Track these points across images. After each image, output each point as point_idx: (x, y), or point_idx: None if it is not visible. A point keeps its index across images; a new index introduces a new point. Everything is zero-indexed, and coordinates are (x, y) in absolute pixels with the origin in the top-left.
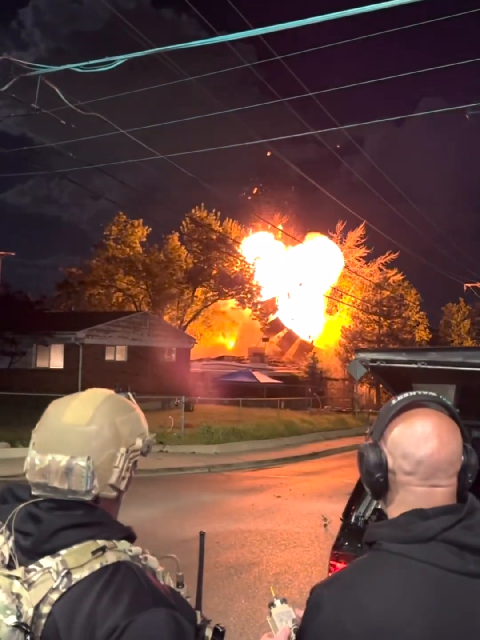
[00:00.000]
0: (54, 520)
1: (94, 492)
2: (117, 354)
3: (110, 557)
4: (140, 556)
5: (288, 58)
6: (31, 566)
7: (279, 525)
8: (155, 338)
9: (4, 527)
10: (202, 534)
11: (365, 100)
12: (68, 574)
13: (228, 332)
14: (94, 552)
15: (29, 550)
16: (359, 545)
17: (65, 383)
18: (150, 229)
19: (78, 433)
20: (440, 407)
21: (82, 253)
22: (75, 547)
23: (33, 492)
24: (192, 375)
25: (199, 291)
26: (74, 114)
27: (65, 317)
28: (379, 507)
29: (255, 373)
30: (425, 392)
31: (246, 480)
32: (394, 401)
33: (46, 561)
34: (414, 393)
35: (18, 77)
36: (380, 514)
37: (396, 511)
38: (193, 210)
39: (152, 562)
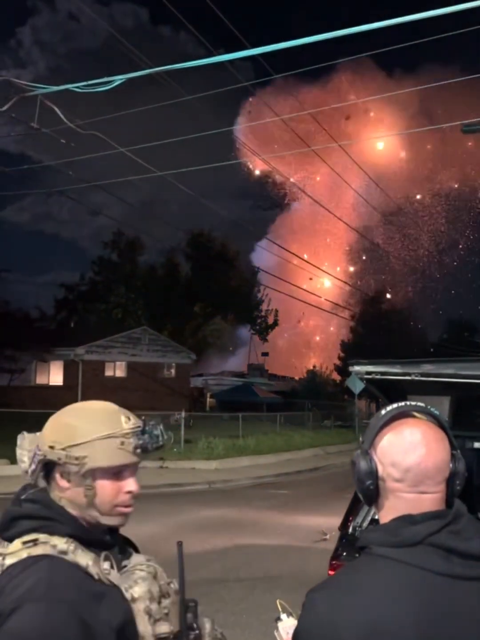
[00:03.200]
0: (12, 510)
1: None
2: (117, 370)
3: (38, 550)
4: (70, 553)
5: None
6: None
7: (280, 540)
8: (154, 353)
9: None
10: (179, 544)
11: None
12: (4, 559)
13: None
14: (24, 543)
15: (2, 538)
16: (357, 554)
17: (64, 399)
18: (149, 245)
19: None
20: (429, 417)
21: (81, 269)
22: (25, 537)
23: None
24: (192, 391)
25: (197, 306)
26: (73, 133)
27: (64, 333)
28: (376, 517)
29: (254, 388)
30: (414, 403)
31: (247, 495)
32: (383, 411)
33: (4, 547)
34: (402, 403)
35: (18, 97)
36: (376, 524)
37: (387, 517)
38: (193, 229)
39: (83, 559)
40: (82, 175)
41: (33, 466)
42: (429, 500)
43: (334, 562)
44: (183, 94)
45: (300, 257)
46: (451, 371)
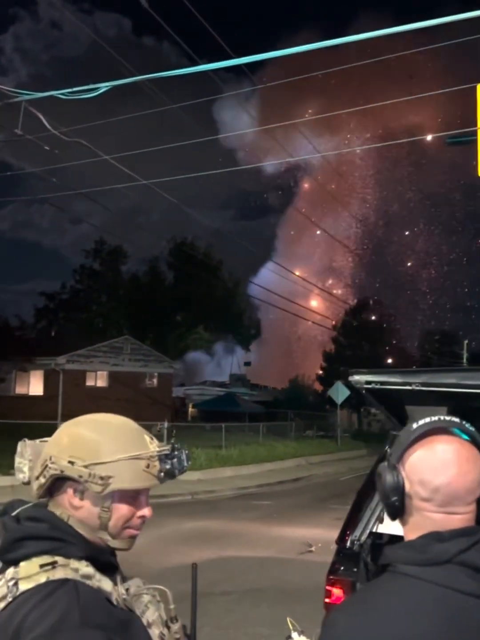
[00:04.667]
0: (16, 530)
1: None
2: (98, 380)
3: (58, 573)
4: (94, 578)
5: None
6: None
7: (265, 552)
8: (136, 363)
9: None
10: (194, 566)
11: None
12: (16, 583)
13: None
14: (42, 566)
15: (2, 560)
16: (355, 569)
17: (45, 410)
18: (132, 253)
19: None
20: (463, 434)
21: (62, 278)
22: (34, 560)
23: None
24: (174, 401)
25: (180, 316)
26: (56, 140)
27: (45, 342)
28: (375, 530)
29: (237, 398)
30: (448, 417)
31: (231, 506)
32: (415, 425)
33: (10, 571)
34: (436, 417)
35: (2, 103)
36: (375, 538)
37: (412, 534)
38: (176, 238)
39: (105, 584)
40: (65, 183)
41: (42, 480)
42: (458, 520)
43: (331, 577)
44: (168, 102)
45: (298, 275)
46: (452, 381)
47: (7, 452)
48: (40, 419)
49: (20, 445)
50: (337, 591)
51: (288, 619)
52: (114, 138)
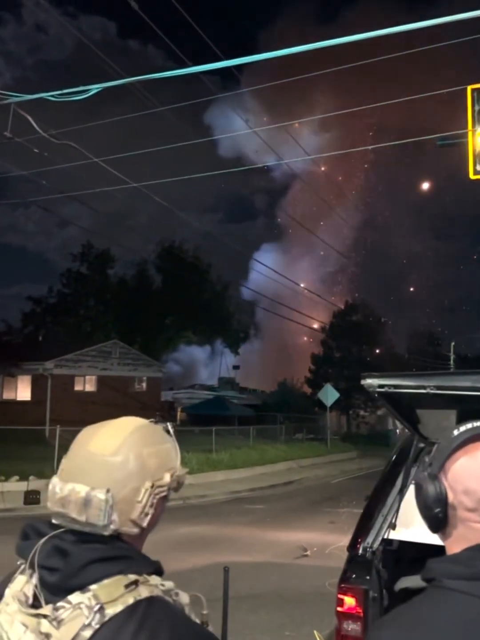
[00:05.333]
0: (83, 553)
1: (112, 526)
2: (87, 384)
3: (143, 592)
4: (173, 591)
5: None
6: (60, 603)
7: (261, 557)
8: (125, 367)
9: (25, 566)
10: (226, 570)
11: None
12: (101, 609)
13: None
14: (126, 586)
15: (56, 587)
16: (368, 577)
17: (33, 415)
18: (120, 257)
19: (101, 463)
20: None
21: (48, 282)
22: (105, 581)
23: (53, 521)
24: (163, 405)
25: (169, 319)
26: (45, 142)
27: (32, 347)
28: (387, 537)
29: (226, 401)
30: None
31: (223, 511)
32: (456, 432)
33: (76, 597)
34: (478, 423)
35: None
36: (386, 545)
37: (456, 547)
38: (163, 242)
39: (184, 597)
40: (54, 186)
41: (150, 510)
42: None
43: (343, 585)
44: (157, 105)
45: (295, 283)
46: (467, 384)
47: None
48: (29, 425)
49: (99, 497)
50: (349, 600)
51: (315, 632)
52: (101, 141)
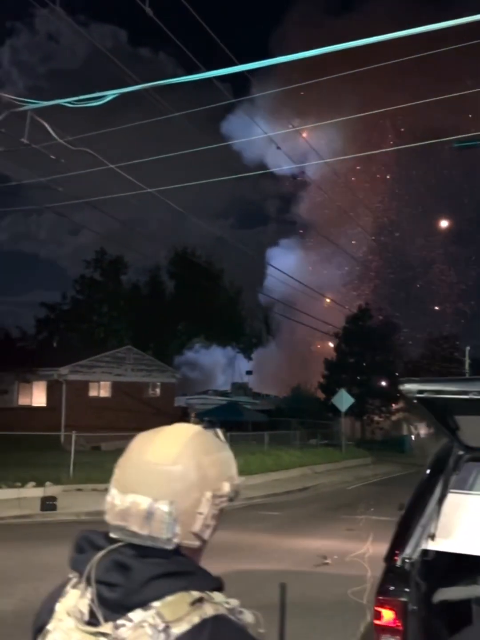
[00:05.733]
0: (145, 568)
1: (175, 540)
2: (101, 390)
3: (209, 610)
4: (237, 610)
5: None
6: (120, 621)
7: (280, 565)
8: (139, 373)
9: (78, 580)
10: (282, 586)
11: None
12: (166, 628)
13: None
14: (191, 604)
15: (117, 603)
16: (406, 588)
17: (48, 421)
18: (132, 263)
19: (161, 473)
20: None
21: (60, 289)
22: (169, 598)
23: (111, 535)
24: (177, 410)
25: (182, 325)
26: (60, 149)
27: (47, 353)
28: (427, 547)
29: (239, 406)
30: None
31: (240, 517)
32: None
33: (137, 615)
34: None
35: (8, 113)
36: (425, 555)
37: None
38: (176, 248)
39: (248, 617)
40: (69, 193)
41: (212, 522)
42: None
43: (381, 597)
44: (170, 110)
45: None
46: None
47: (12, 464)
48: (43, 430)
49: (163, 509)
50: (387, 613)
51: None
52: (114, 149)
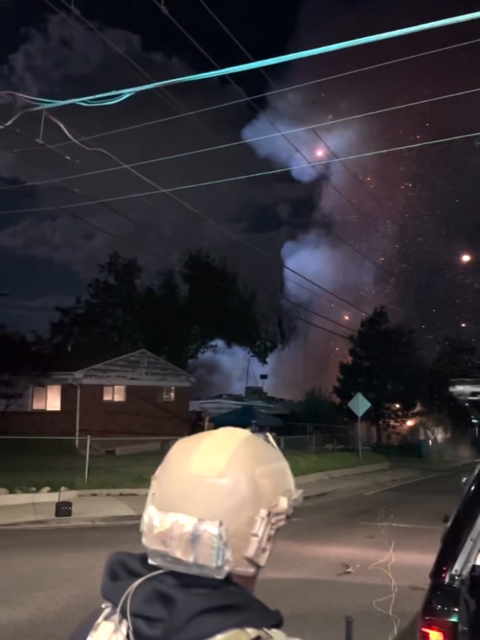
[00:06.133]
0: (191, 601)
1: (226, 568)
2: (116, 394)
3: None
4: None
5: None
6: None
7: (302, 573)
8: (153, 377)
9: (111, 611)
10: (348, 622)
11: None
12: None
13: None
14: None
15: None
16: (456, 608)
17: (62, 425)
18: (146, 267)
19: (207, 487)
20: None
21: (72, 294)
22: (220, 637)
23: (150, 561)
24: (191, 415)
25: (196, 328)
26: (75, 151)
27: (61, 357)
28: (478, 562)
29: (254, 411)
30: None
31: None
32: None
33: None
34: None
35: (22, 112)
36: (475, 571)
37: None
38: (191, 251)
39: None
40: (83, 194)
41: (267, 545)
42: None
43: (428, 617)
44: (185, 110)
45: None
46: None
47: (27, 468)
48: (58, 435)
49: (211, 531)
50: (435, 634)
51: None
52: (128, 151)
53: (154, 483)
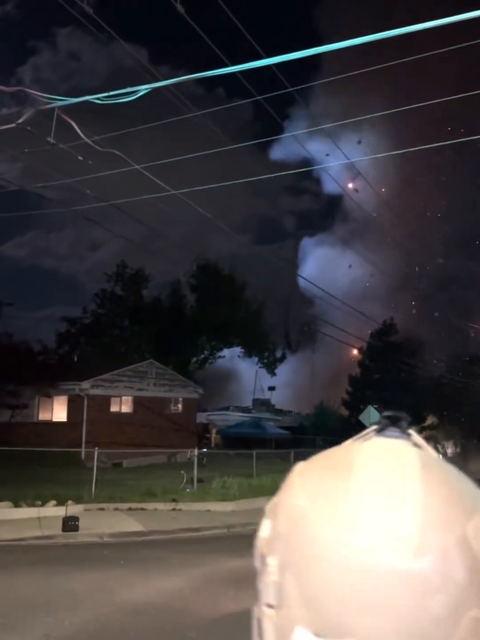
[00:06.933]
0: None
1: None
2: (123, 405)
3: None
4: None
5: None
6: None
7: None
8: (161, 388)
9: None
10: None
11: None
12: None
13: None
14: None
15: None
16: None
17: (68, 436)
18: (153, 277)
19: (396, 583)
20: None
21: (78, 305)
22: None
23: None
24: (198, 427)
25: (203, 339)
26: (86, 152)
27: (68, 367)
28: None
29: (262, 423)
30: None
31: None
32: None
33: None
34: None
35: (34, 110)
36: None
37: None
38: (198, 261)
39: None
40: (94, 196)
41: None
42: None
43: None
44: (194, 110)
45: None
46: None
47: (32, 481)
48: (64, 446)
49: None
50: None
51: None
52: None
53: (274, 562)
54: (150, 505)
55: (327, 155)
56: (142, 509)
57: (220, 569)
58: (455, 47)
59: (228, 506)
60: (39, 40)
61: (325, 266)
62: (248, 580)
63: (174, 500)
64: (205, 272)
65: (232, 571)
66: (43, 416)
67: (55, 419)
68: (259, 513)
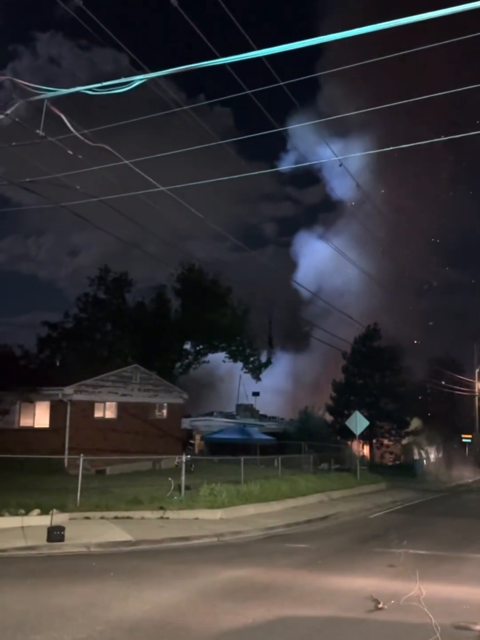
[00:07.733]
0: None
1: None
2: (107, 411)
3: None
4: None
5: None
6: None
7: (327, 610)
8: (146, 393)
9: None
10: None
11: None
12: None
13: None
14: None
15: None
16: None
17: (51, 443)
18: (137, 281)
19: None
20: None
21: (60, 310)
22: None
23: None
24: (183, 433)
25: (188, 344)
26: (76, 146)
27: (50, 372)
28: None
29: (247, 429)
30: None
31: (264, 550)
32: None
33: None
34: None
35: (22, 101)
36: None
37: None
38: (183, 265)
39: None
40: (84, 192)
41: None
42: None
43: None
44: (181, 104)
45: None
46: None
47: (14, 489)
48: (47, 453)
49: None
50: None
51: None
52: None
53: None
54: (137, 514)
55: (340, 165)
56: (128, 517)
57: (215, 580)
58: (436, 44)
59: (216, 514)
60: (24, 39)
61: (311, 269)
62: (243, 592)
63: (161, 508)
64: (190, 276)
65: (228, 582)
66: (25, 422)
67: (37, 425)
68: (248, 520)
